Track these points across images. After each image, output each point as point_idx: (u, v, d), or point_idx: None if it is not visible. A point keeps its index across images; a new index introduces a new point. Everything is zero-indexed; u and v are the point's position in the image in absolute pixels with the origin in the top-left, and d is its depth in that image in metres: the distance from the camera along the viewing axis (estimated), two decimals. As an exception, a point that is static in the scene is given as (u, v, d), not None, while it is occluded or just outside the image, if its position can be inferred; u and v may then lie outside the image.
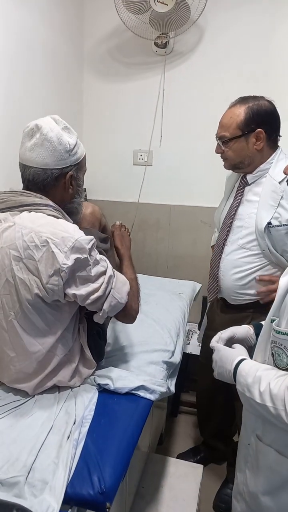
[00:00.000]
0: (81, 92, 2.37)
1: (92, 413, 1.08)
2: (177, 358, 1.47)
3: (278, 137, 1.43)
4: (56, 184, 1.08)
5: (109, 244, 1.39)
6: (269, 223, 1.38)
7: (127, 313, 1.14)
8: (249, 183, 1.47)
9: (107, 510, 0.86)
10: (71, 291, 1.01)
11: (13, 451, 0.92)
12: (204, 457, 1.96)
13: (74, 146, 1.08)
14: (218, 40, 2.09)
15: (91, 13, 2.26)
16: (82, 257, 0.99)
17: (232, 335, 1.05)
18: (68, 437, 0.97)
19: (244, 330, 1.08)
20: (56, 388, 1.16)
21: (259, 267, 1.45)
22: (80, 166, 1.13)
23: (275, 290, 1.39)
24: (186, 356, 2.14)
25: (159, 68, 2.21)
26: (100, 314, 1.08)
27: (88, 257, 1.00)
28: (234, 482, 1.07)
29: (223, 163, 1.51)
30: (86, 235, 1.05)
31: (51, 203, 1.07)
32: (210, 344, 1.04)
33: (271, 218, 1.38)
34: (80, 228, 1.06)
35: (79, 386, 1.18)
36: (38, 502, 0.80)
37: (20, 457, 0.90)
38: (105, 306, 1.06)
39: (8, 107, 1.68)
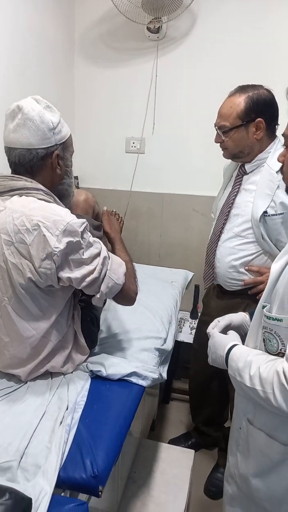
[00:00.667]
0: (73, 78, 2.33)
1: (85, 399, 1.09)
2: (169, 345, 1.48)
3: (276, 127, 1.43)
4: (43, 164, 1.06)
5: (102, 232, 1.38)
6: (265, 212, 1.39)
7: (126, 294, 1.13)
8: (247, 172, 1.48)
9: (100, 493, 0.87)
10: (65, 274, 1.00)
11: (6, 437, 0.93)
12: (195, 443, 1.99)
13: (58, 124, 1.06)
14: (211, 25, 2.06)
15: (83, -4, 2.22)
16: (75, 240, 0.98)
17: (229, 322, 1.07)
18: (61, 423, 0.98)
19: (240, 317, 1.09)
20: (49, 375, 1.16)
21: (255, 255, 1.46)
22: (66, 146, 1.11)
23: (261, 282, 1.44)
24: (178, 344, 2.16)
25: (152, 54, 2.18)
26: (98, 297, 1.07)
27: (81, 240, 0.99)
28: (225, 466, 1.09)
29: (222, 152, 1.50)
30: None
31: (41, 187, 1.06)
32: (207, 330, 1.06)
33: (267, 207, 1.38)
34: (73, 214, 1.05)
35: (72, 372, 1.19)
36: (31, 486, 0.80)
37: (13, 442, 0.90)
38: (103, 288, 1.05)
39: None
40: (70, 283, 1.02)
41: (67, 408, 1.03)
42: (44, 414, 1.01)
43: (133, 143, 2.34)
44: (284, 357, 0.77)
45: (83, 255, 1.00)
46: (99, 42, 2.26)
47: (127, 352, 1.33)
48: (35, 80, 1.91)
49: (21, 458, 0.88)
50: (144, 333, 1.45)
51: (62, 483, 0.86)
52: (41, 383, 1.13)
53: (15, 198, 1.02)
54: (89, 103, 2.36)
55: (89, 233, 1.04)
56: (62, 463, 0.88)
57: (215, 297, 1.68)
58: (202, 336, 1.64)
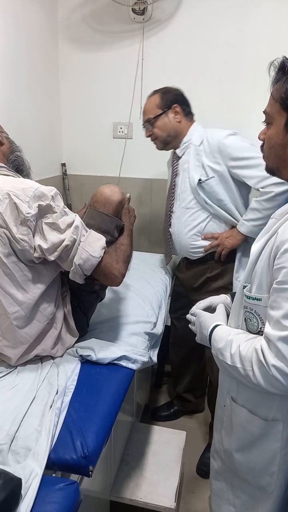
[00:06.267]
0: (57, 62, 2.28)
1: (75, 383, 1.10)
2: (159, 329, 1.49)
3: (193, 114, 1.71)
4: None
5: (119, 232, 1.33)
6: (200, 180, 1.63)
7: (107, 272, 1.11)
8: (180, 156, 1.72)
9: (90, 473, 0.88)
10: (37, 242, 1.01)
11: (-5, 421, 0.93)
12: (177, 410, 2.13)
13: None
14: (197, 7, 2.02)
15: (65, -23, 2.16)
16: (45, 204, 1.00)
17: (210, 304, 1.09)
18: (51, 406, 0.99)
19: (221, 299, 1.11)
20: (39, 360, 1.17)
21: (206, 221, 1.69)
22: None
23: (218, 245, 1.64)
24: (168, 329, 2.17)
25: (138, 36, 2.14)
26: (74, 270, 1.05)
27: (52, 204, 1.01)
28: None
29: (155, 145, 1.74)
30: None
31: (3, 164, 1.11)
32: (190, 311, 1.08)
33: (200, 175, 1.63)
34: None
35: (61, 356, 1.19)
36: (21, 467, 0.81)
37: (3, 426, 0.91)
38: (76, 259, 1.04)
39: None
40: (43, 254, 1.03)
41: (57, 392, 1.04)
42: (34, 398, 1.02)
43: (121, 128, 2.32)
44: (263, 335, 0.79)
45: (56, 220, 1.02)
46: (83, 24, 2.22)
47: (117, 336, 1.34)
48: (18, 64, 1.87)
49: (12, 442, 0.89)
50: (134, 318, 1.46)
51: (53, 464, 0.87)
52: (31, 368, 1.14)
53: None
54: (75, 88, 2.32)
55: (62, 202, 1.06)
56: (53, 445, 0.89)
57: (185, 268, 1.88)
58: (175, 305, 1.99)
